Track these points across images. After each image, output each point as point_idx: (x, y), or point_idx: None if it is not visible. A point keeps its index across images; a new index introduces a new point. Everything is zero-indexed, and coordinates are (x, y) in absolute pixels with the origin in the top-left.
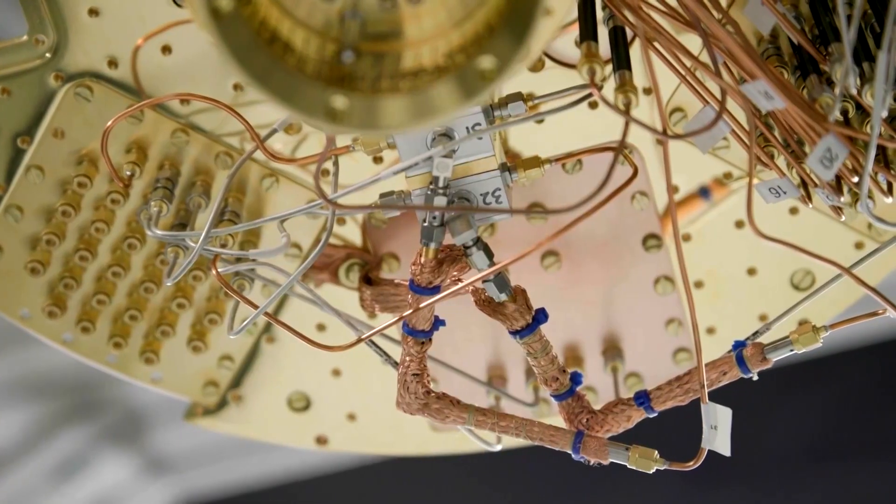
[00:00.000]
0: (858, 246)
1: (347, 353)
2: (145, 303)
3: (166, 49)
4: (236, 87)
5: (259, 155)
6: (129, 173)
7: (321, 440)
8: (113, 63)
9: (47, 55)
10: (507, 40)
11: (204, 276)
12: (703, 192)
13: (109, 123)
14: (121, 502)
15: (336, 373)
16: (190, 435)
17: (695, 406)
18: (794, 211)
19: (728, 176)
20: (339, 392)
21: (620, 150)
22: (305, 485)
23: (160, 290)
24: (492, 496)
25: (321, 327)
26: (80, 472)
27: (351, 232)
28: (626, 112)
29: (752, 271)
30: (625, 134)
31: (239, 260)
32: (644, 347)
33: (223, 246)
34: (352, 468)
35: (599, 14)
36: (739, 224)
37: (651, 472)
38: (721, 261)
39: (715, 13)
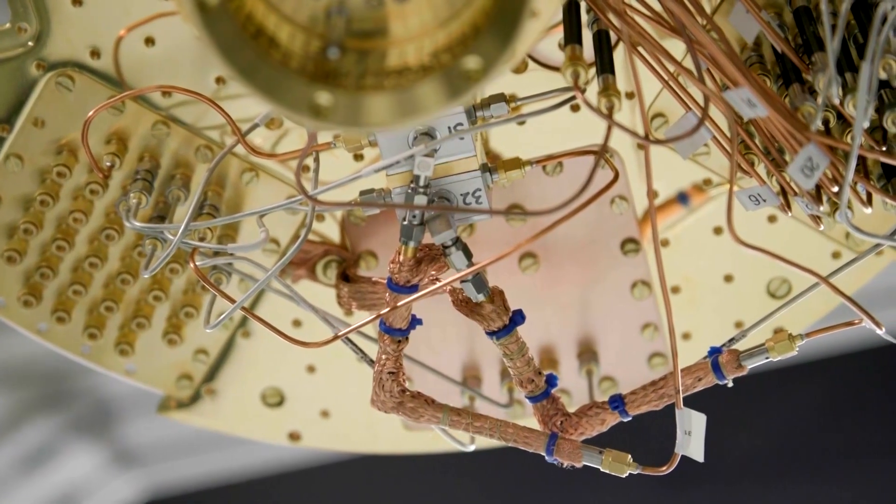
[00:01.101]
0: (835, 255)
1: (322, 350)
2: (121, 294)
3: (149, 41)
4: (218, 80)
5: (239, 149)
6: (108, 164)
7: (294, 436)
8: (95, 53)
9: (30, 43)
10: (493, 41)
11: (181, 269)
12: (682, 198)
13: (90, 114)
14: (87, 494)
15: (311, 369)
16: (158, 427)
17: (669, 411)
18: (772, 219)
19: (707, 182)
20: (313, 388)
21: (602, 153)
22: (275, 480)
23: (137, 282)
24: (465, 494)
25: (297, 323)
26: (47, 462)
27: (329, 229)
28: (608, 116)
29: (728, 278)
30: (607, 138)
31: (217, 254)
32: (619, 351)
33: (202, 239)
34: (323, 464)
35: (584, 17)
36: (718, 230)
37: (624, 475)
38: (698, 267)
39: (699, 19)
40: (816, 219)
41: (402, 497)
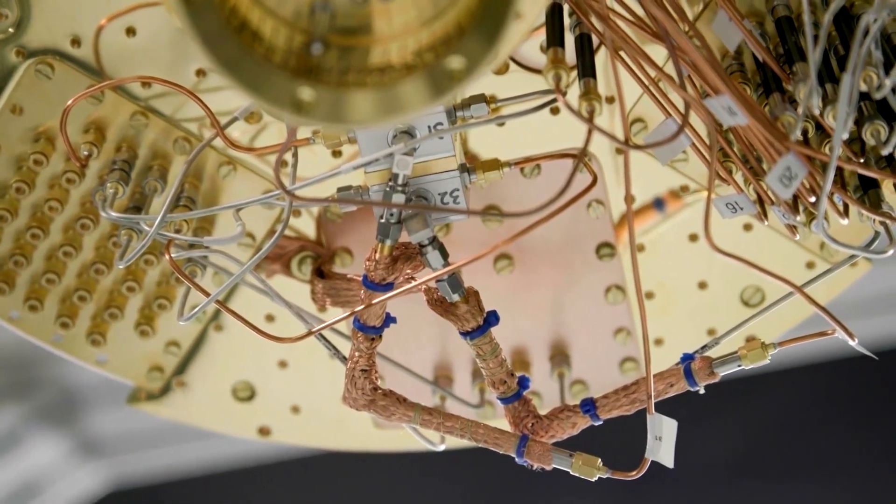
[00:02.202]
0: (809, 265)
1: (295, 346)
2: (95, 284)
3: (130, 31)
4: (198, 72)
5: (217, 142)
6: (86, 153)
7: (264, 431)
8: (76, 42)
9: (10, 30)
10: (478, 42)
11: (156, 260)
12: (658, 204)
13: (70, 102)
14: (50, 483)
15: (282, 364)
16: (124, 418)
17: (640, 416)
18: (747, 227)
19: (684, 189)
20: (284, 384)
21: (581, 157)
22: (240, 474)
23: (111, 272)
24: (434, 493)
25: (270, 318)
26: (10, 450)
27: (305, 224)
28: (589, 120)
29: (702, 285)
30: (587, 142)
31: (192, 246)
32: (591, 355)
33: (177, 231)
34: (291, 459)
35: (566, 21)
36: (693, 237)
37: (594, 479)
38: (672, 273)
39: (682, 25)
40: (793, 228)
41: (370, 494)
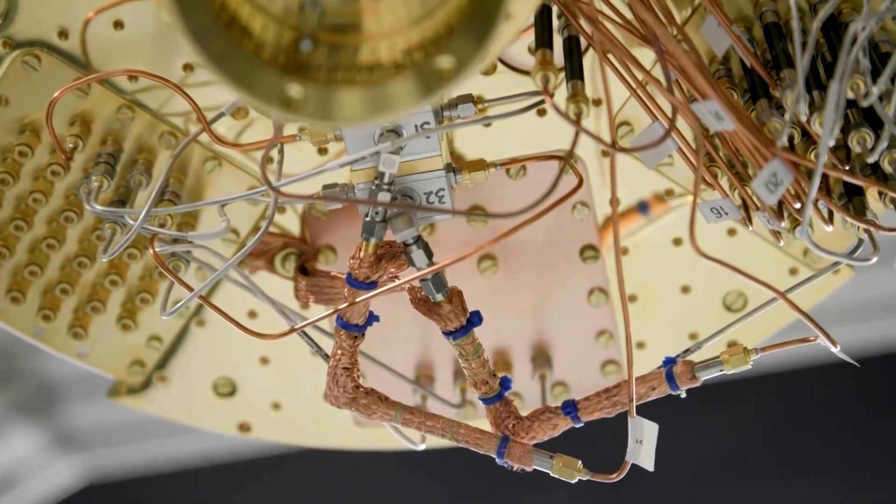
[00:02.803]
0: (793, 272)
1: (277, 342)
2: (78, 277)
3: (118, 24)
4: (185, 67)
5: (203, 137)
6: (71, 146)
7: (244, 427)
8: (63, 34)
9: None
10: (467, 42)
11: (139, 254)
12: (642, 207)
13: (56, 94)
14: (26, 475)
15: (264, 361)
16: (101, 412)
17: (621, 419)
18: (731, 232)
19: (669, 193)
20: (265, 380)
21: (568, 159)
22: (219, 469)
23: (94, 265)
24: (410, 491)
25: (252, 314)
26: None
27: (290, 221)
28: (576, 122)
29: (685, 289)
30: (574, 143)
31: (176, 241)
32: (573, 357)
33: (161, 226)
34: (271, 456)
35: (555, 23)
36: (677, 241)
37: (573, 481)
38: (656, 276)
39: (670, 29)
40: (777, 234)
41: (349, 492)
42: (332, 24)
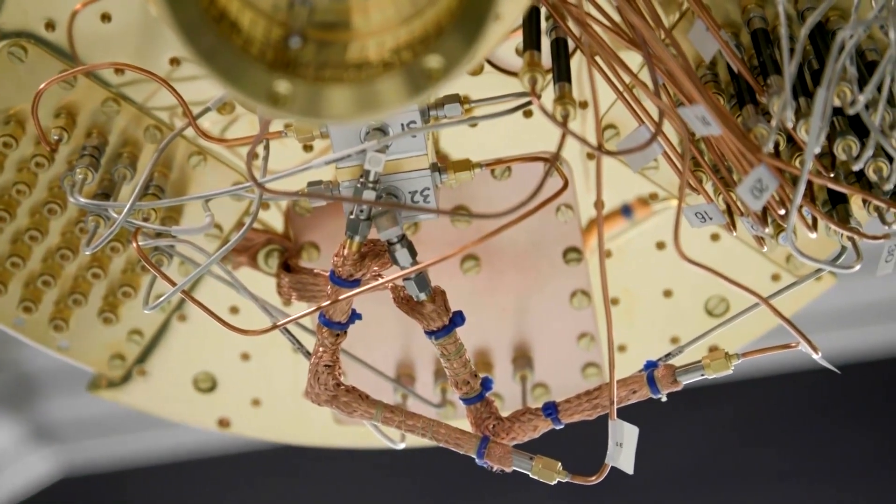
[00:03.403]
0: (775, 277)
1: (258, 339)
2: (60, 269)
3: (105, 17)
4: (172, 61)
5: (188, 131)
6: (56, 138)
7: (223, 423)
8: (50, 25)
9: None
10: (456, 42)
11: (122, 247)
12: (625, 211)
13: (42, 86)
14: (1, 466)
15: (245, 357)
16: (80, 405)
17: (601, 421)
18: (714, 237)
19: (654, 196)
20: (246, 376)
21: (554, 161)
22: (196, 464)
23: (76, 258)
24: (381, 489)
25: (234, 310)
26: None
27: (273, 218)
28: (563, 124)
29: (668, 293)
30: (560, 145)
31: (160, 235)
32: (554, 359)
33: (145, 220)
34: (249, 451)
35: (543, 24)
36: (660, 245)
37: (553, 483)
38: (638, 280)
39: (658, 32)
40: (760, 240)
41: (326, 489)
42: (322, 21)
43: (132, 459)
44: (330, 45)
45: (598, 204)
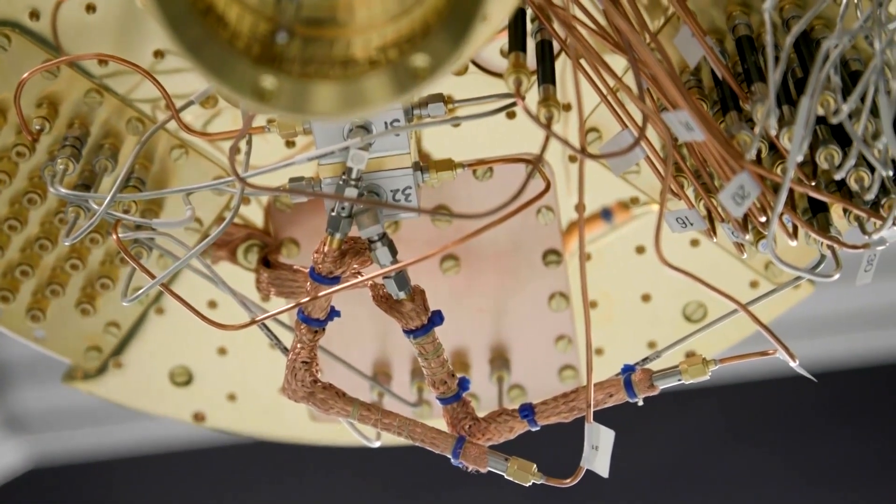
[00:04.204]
0: (753, 284)
1: (236, 334)
2: (38, 260)
3: (90, 7)
4: (156, 53)
5: (171, 124)
6: (38, 128)
7: (199, 417)
8: (35, 15)
9: None
10: (443, 41)
11: (101, 239)
12: (605, 214)
13: (25, 75)
14: None
15: (222, 351)
16: (52, 395)
17: (577, 424)
18: (694, 243)
19: (634, 201)
20: (222, 371)
21: (537, 163)
22: (166, 458)
23: (55, 248)
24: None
25: (212, 304)
26: None
27: (254, 213)
28: (547, 126)
29: (646, 297)
30: (544, 147)
31: (139, 227)
32: (531, 361)
33: (126, 212)
34: (221, 446)
35: (528, 26)
36: (640, 249)
37: (528, 484)
38: (617, 284)
39: (644, 36)
40: (740, 246)
41: (299, 484)
42: (309, 17)
43: (103, 451)
44: (316, 41)
45: (580, 207)
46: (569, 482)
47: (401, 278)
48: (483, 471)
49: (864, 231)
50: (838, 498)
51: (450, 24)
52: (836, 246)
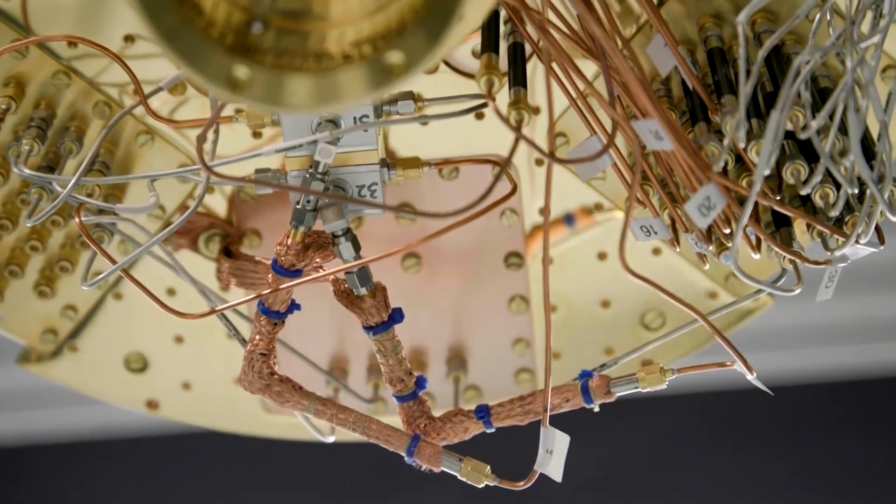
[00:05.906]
0: (712, 295)
1: (193, 322)
2: None
3: None
4: (126, 38)
5: (138, 110)
6: (3, 107)
7: (152, 404)
8: None
9: None
10: (419, 40)
11: (63, 222)
12: (568, 219)
13: None
14: None
15: (179, 339)
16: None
17: (533, 427)
18: (656, 251)
19: (598, 207)
20: (178, 359)
21: (505, 165)
22: (113, 444)
23: (16, 229)
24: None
25: (171, 292)
26: None
27: (217, 202)
28: (517, 129)
29: (605, 304)
30: (513, 150)
31: (102, 212)
32: (488, 362)
33: (89, 195)
34: (171, 434)
35: (501, 28)
36: (602, 256)
37: (481, 486)
38: (577, 289)
39: (617, 41)
40: (703, 257)
41: (248, 477)
42: (284, 8)
43: (47, 435)
44: (291, 33)
45: (546, 210)
46: (521, 485)
47: (363, 274)
48: (437, 470)
49: (826, 247)
50: None
51: (426, 23)
52: (798, 260)
